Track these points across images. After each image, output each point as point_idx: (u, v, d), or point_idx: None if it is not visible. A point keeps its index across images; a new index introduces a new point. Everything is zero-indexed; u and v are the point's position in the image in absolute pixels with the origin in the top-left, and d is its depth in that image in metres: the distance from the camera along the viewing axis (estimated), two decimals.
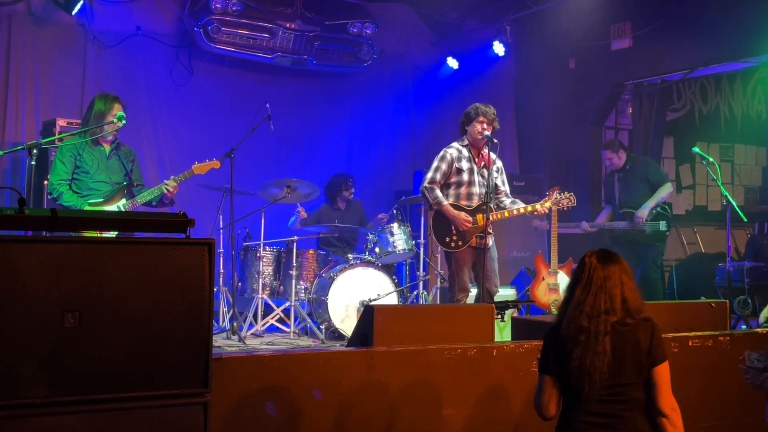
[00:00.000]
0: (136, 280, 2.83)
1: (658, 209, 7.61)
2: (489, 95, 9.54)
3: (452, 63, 9.70)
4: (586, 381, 2.94)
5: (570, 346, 2.98)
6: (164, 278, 2.88)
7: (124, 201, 5.63)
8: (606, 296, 2.99)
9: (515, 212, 6.09)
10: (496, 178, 6.15)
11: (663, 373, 3.00)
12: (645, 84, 9.57)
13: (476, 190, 6.06)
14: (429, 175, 6.14)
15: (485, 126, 6.04)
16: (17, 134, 7.72)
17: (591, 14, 9.00)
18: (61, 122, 7.06)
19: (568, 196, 6.22)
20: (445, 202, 6.03)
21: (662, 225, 7.57)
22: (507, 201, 6.19)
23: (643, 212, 7.51)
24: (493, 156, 6.09)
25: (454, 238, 6.01)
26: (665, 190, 7.67)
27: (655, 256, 7.71)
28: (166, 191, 5.65)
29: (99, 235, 4.26)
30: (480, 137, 6.04)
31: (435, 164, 6.13)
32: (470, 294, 6.28)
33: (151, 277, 2.86)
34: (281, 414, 3.62)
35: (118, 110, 5.64)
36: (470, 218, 5.97)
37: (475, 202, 6.04)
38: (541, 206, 6.13)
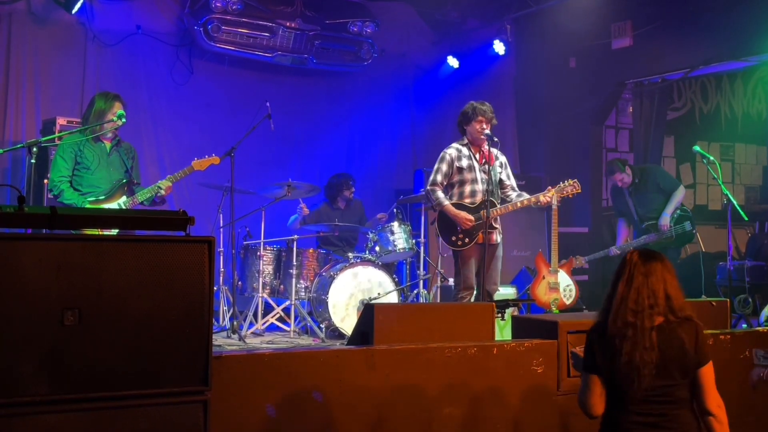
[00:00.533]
0: (136, 277, 2.83)
1: (678, 212, 7.62)
2: (489, 94, 9.51)
3: (453, 62, 9.68)
4: (636, 376, 2.93)
5: (618, 342, 2.97)
6: (164, 276, 2.87)
7: (124, 198, 5.63)
8: (649, 291, 2.99)
9: (519, 204, 6.09)
10: (500, 173, 6.16)
11: (708, 373, 3.01)
12: (645, 83, 9.56)
13: (479, 187, 6.06)
14: (430, 177, 6.18)
15: (484, 125, 6.05)
16: (17, 133, 7.71)
17: (591, 13, 8.99)
18: (61, 121, 7.05)
19: (572, 183, 6.18)
20: (447, 202, 6.04)
21: (687, 225, 7.59)
22: (513, 195, 6.19)
23: (665, 219, 7.54)
24: (495, 151, 6.12)
25: (460, 236, 6.01)
26: (679, 194, 7.69)
27: (675, 257, 7.73)
28: (159, 192, 5.65)
29: (100, 232, 4.25)
30: (481, 136, 6.05)
31: (435, 166, 6.17)
32: (475, 293, 6.30)
33: (151, 274, 2.85)
34: (281, 412, 3.61)
35: (118, 108, 5.63)
36: (471, 217, 5.97)
37: (478, 199, 6.05)
38: (544, 196, 6.11)
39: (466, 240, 6.00)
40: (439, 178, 6.10)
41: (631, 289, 3.00)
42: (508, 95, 10.32)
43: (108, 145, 5.68)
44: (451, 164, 6.10)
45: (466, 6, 9.76)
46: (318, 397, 3.69)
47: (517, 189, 6.27)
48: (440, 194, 6.08)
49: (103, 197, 5.56)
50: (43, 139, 5.79)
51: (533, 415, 4.19)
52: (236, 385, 3.48)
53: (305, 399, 3.66)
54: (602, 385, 3.06)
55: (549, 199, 6.12)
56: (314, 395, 3.68)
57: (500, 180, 6.16)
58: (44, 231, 2.98)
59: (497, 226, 6.07)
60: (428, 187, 6.16)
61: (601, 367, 3.04)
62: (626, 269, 3.05)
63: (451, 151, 6.15)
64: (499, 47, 9.40)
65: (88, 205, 5.46)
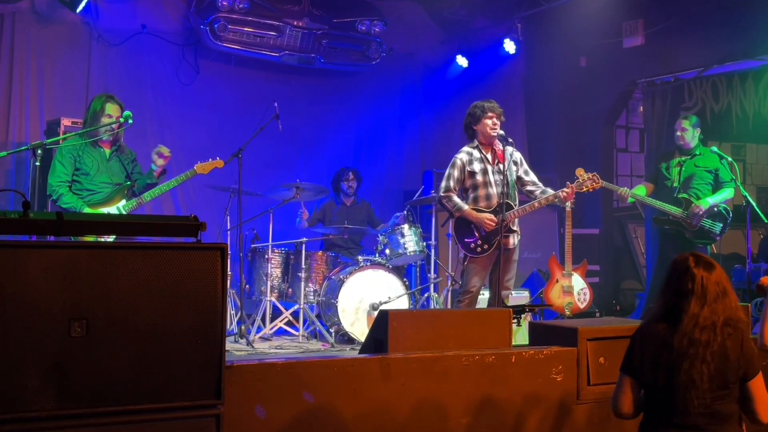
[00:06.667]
0: (146, 286, 2.72)
1: (720, 209, 6.98)
2: (499, 94, 9.39)
3: (462, 61, 9.57)
4: (693, 391, 2.87)
5: (680, 360, 2.90)
6: (175, 285, 2.77)
7: (123, 202, 5.58)
8: (724, 309, 2.91)
9: (537, 205, 5.89)
10: (516, 171, 5.98)
11: (758, 384, 2.93)
12: (658, 82, 9.43)
13: (493, 190, 5.88)
14: (443, 184, 6.00)
15: (495, 121, 5.90)
16: (21, 134, 7.62)
17: (602, 12, 8.88)
18: (65, 122, 6.95)
19: (591, 176, 5.95)
20: (466, 207, 5.89)
21: (717, 227, 6.94)
22: (537, 191, 5.99)
23: (705, 204, 6.86)
24: (509, 149, 5.90)
25: (479, 242, 5.83)
26: (730, 194, 7.02)
27: None
28: (154, 168, 5.62)
29: (100, 239, 4.17)
30: (492, 133, 5.88)
31: (447, 172, 5.99)
32: (482, 297, 6.16)
33: (162, 283, 2.75)
34: (294, 423, 3.50)
35: (111, 110, 5.58)
36: (494, 217, 5.80)
37: (494, 202, 5.86)
38: (563, 192, 5.87)
39: (485, 246, 5.82)
40: (451, 184, 5.93)
41: (704, 308, 2.90)
42: (517, 95, 10.21)
43: (107, 151, 5.64)
44: (462, 169, 5.93)
45: (475, 4, 9.65)
46: (332, 407, 3.58)
47: (540, 185, 6.05)
48: (457, 199, 5.92)
49: (101, 201, 5.50)
50: (48, 141, 5.70)
51: (553, 424, 4.08)
52: (248, 396, 3.37)
53: (319, 409, 3.55)
54: (634, 388, 3.02)
55: (567, 194, 5.87)
56: (328, 405, 3.57)
57: (518, 178, 5.99)
58: (49, 238, 2.87)
59: (516, 228, 5.90)
60: (441, 194, 5.99)
61: (642, 376, 2.98)
62: (696, 284, 2.94)
63: (462, 155, 5.98)
64: (509, 46, 9.28)
65: (86, 209, 5.42)
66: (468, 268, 5.94)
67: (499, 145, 5.93)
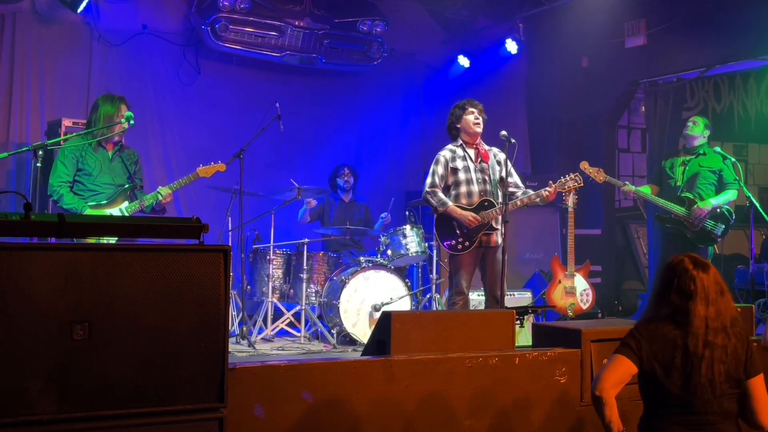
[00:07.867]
0: (148, 289, 2.70)
1: (723, 210, 6.91)
2: (501, 94, 9.39)
3: (463, 61, 9.55)
4: (712, 393, 2.93)
5: (698, 363, 2.95)
6: (178, 287, 2.74)
7: (126, 203, 5.55)
8: (726, 308, 2.98)
9: (519, 203, 5.85)
10: (498, 171, 5.95)
11: (759, 384, 2.99)
12: (660, 82, 9.41)
13: (475, 187, 5.87)
14: (428, 180, 6.00)
15: (477, 115, 5.91)
16: (22, 134, 7.60)
17: (604, 11, 8.86)
18: (66, 122, 6.93)
19: (573, 176, 5.91)
20: (450, 203, 5.87)
21: (719, 228, 6.87)
22: (518, 192, 5.96)
23: (709, 206, 6.79)
24: (494, 150, 5.97)
25: (460, 239, 5.83)
26: (733, 196, 6.96)
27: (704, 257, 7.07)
28: (160, 199, 5.57)
29: (102, 241, 4.13)
30: (476, 128, 5.90)
31: (431, 169, 6.02)
32: (470, 298, 6.13)
33: (164, 286, 2.73)
34: (297, 425, 3.49)
35: (124, 111, 5.55)
36: (477, 216, 5.78)
37: (476, 200, 5.86)
38: (545, 191, 5.82)
39: (467, 243, 5.81)
40: (436, 180, 5.94)
41: (710, 307, 2.96)
42: (519, 95, 10.18)
43: (110, 152, 5.62)
44: (446, 166, 5.94)
45: (476, 4, 9.63)
46: (335, 410, 3.57)
47: (522, 186, 6.04)
48: (441, 195, 5.91)
49: (104, 202, 5.48)
50: (49, 142, 5.67)
51: (556, 426, 4.07)
52: (251, 398, 3.35)
53: (322, 412, 3.54)
54: (627, 369, 3.01)
55: (549, 194, 5.82)
56: (331, 407, 3.56)
57: (501, 179, 5.98)
58: (50, 240, 2.85)
59: (497, 227, 5.86)
60: (427, 190, 5.96)
61: (641, 361, 3.00)
62: (697, 285, 2.98)
63: (445, 152, 5.99)
64: (511, 46, 9.25)
65: (88, 210, 5.39)
66: (452, 268, 5.96)
67: (483, 145, 5.97)
